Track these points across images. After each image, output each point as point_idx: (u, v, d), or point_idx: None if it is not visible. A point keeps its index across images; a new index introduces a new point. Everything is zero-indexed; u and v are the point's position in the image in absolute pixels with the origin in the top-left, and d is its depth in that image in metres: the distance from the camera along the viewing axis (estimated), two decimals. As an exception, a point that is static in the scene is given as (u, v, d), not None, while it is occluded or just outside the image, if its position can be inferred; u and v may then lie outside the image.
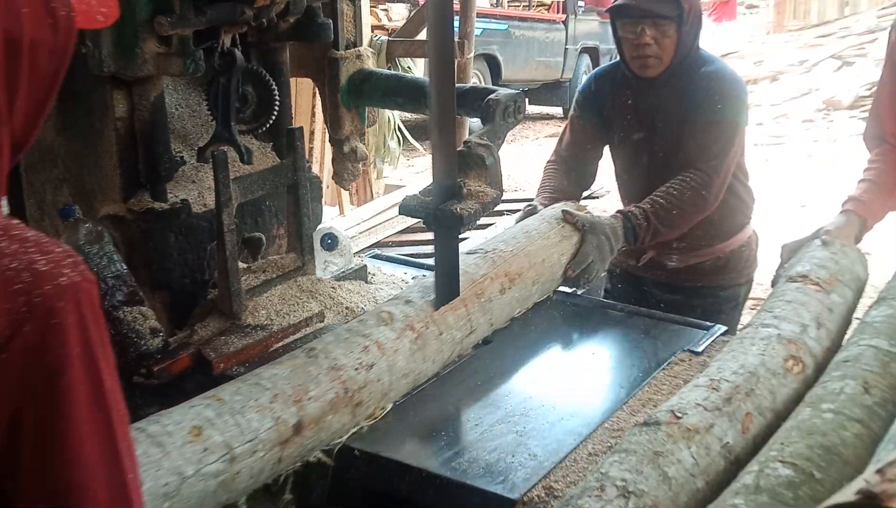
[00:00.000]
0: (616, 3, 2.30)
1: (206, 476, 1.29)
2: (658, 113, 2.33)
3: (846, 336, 1.74)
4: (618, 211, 2.18)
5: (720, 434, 1.38)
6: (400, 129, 5.21)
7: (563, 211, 2.10)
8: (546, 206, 2.25)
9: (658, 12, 2.22)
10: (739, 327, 2.43)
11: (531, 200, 2.40)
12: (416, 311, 1.69)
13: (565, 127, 2.57)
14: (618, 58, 2.42)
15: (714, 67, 2.32)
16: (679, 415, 1.39)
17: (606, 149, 2.54)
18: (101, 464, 0.95)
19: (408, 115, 8.02)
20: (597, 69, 2.64)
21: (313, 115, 4.80)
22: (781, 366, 1.57)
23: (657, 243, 2.28)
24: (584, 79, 2.59)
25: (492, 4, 9.81)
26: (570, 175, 2.46)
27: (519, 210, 2.37)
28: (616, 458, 1.32)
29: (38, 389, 0.92)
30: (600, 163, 2.57)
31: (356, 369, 1.54)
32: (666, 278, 2.42)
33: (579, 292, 2.14)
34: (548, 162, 2.54)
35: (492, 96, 1.85)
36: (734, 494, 1.21)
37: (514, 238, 1.99)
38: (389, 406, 1.64)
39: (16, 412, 0.92)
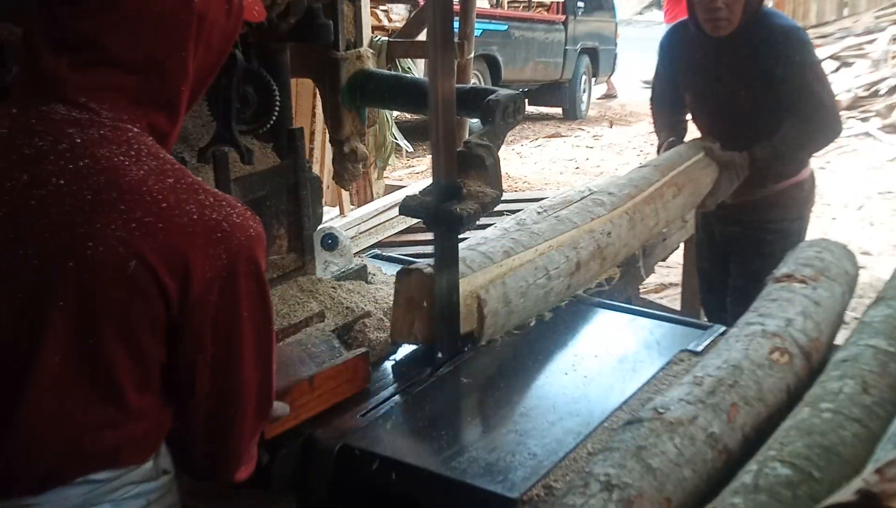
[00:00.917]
0: None
1: (538, 287, 1.95)
2: (726, 68, 2.64)
3: (845, 335, 1.75)
4: (748, 151, 2.59)
5: (704, 425, 1.39)
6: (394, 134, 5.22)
7: (706, 147, 2.62)
8: (673, 139, 2.83)
9: None
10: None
11: (531, 200, 2.54)
12: (619, 200, 2.31)
13: (655, 75, 3.05)
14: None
15: (775, 22, 2.62)
16: (662, 411, 1.40)
17: None
18: (256, 369, 1.17)
19: (407, 115, 8.02)
20: (670, 27, 3.00)
21: (314, 115, 4.80)
22: (766, 358, 1.58)
23: None
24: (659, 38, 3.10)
25: (492, 5, 9.80)
26: (672, 104, 2.95)
27: (519, 210, 2.49)
28: (601, 456, 1.34)
29: (225, 321, 1.11)
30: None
31: (601, 233, 2.16)
32: (725, 212, 2.80)
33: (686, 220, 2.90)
34: (650, 100, 3.07)
35: (492, 97, 1.86)
36: (733, 493, 1.22)
37: (672, 159, 2.60)
38: (618, 274, 2.29)
39: (206, 338, 1.11)
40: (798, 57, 2.58)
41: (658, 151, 2.91)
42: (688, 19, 2.73)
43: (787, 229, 2.74)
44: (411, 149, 5.58)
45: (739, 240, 2.82)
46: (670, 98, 2.95)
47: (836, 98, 2.68)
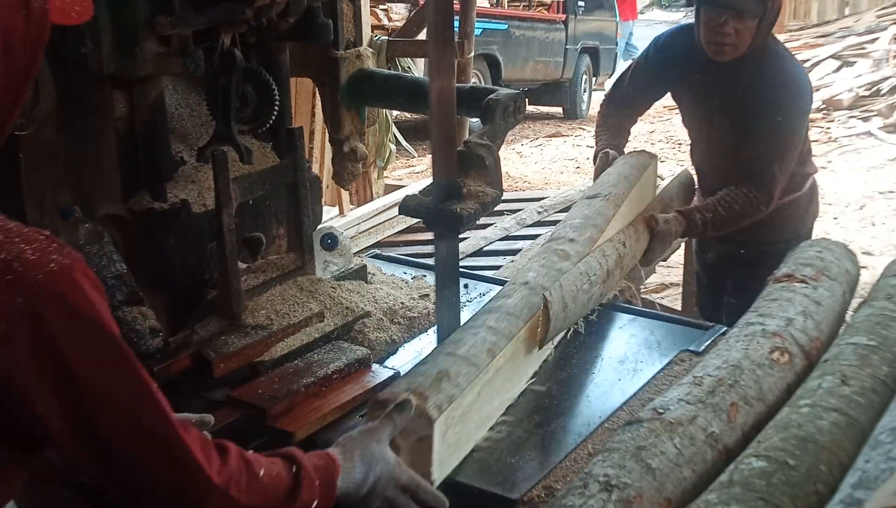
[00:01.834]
0: None
1: (583, 292, 1.84)
2: (722, 99, 2.44)
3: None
4: (680, 213, 2.35)
5: (704, 425, 1.39)
6: (395, 135, 5.21)
7: (645, 218, 2.26)
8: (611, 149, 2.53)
9: (745, 9, 2.31)
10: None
11: (531, 200, 2.47)
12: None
13: (627, 70, 2.73)
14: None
15: (784, 72, 2.41)
16: (661, 411, 1.40)
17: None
18: (127, 414, 1.03)
19: (407, 115, 8.01)
20: (676, 28, 2.71)
21: (313, 115, 4.80)
22: (766, 357, 1.58)
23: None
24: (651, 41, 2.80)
25: (492, 4, 9.80)
26: (630, 106, 2.69)
27: (520, 210, 2.44)
28: (600, 457, 1.34)
29: (52, 370, 0.97)
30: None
31: (618, 242, 2.07)
32: None
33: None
34: (606, 96, 2.78)
35: (492, 96, 1.85)
36: (709, 491, 1.22)
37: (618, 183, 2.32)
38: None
39: (34, 394, 0.97)
40: (781, 117, 2.36)
41: (594, 160, 2.61)
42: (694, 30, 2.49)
43: (779, 249, 2.45)
44: (416, 154, 5.57)
45: (734, 260, 2.66)
46: (632, 100, 2.68)
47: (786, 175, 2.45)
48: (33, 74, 1.08)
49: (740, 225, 2.41)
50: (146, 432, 1.04)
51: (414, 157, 5.66)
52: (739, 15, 2.31)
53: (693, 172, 2.77)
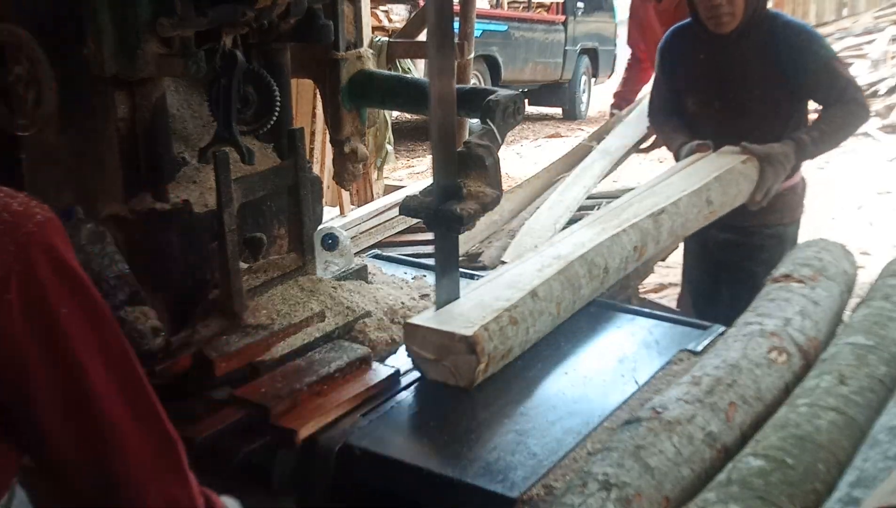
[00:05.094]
0: None
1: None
2: (735, 67, 2.61)
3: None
4: (789, 137, 2.54)
5: (702, 424, 1.40)
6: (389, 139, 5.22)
7: (742, 145, 2.51)
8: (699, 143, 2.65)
9: None
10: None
11: None
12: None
13: (653, 88, 2.98)
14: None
15: (794, 24, 2.64)
16: (660, 410, 1.41)
17: None
18: (113, 380, 0.99)
19: (407, 116, 8.02)
20: (675, 25, 2.88)
21: (314, 116, 4.81)
22: (765, 357, 1.59)
23: None
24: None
25: (491, 6, 9.81)
26: (676, 112, 2.84)
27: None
28: (599, 456, 1.35)
29: (41, 324, 0.94)
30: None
31: None
32: (719, 219, 2.56)
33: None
34: (649, 114, 3.01)
35: (492, 97, 1.86)
36: (708, 490, 1.23)
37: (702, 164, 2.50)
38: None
39: (24, 349, 0.93)
40: (823, 51, 2.59)
41: (676, 157, 2.75)
42: (691, 20, 2.71)
43: (783, 233, 2.74)
44: (393, 159, 5.59)
45: (735, 247, 2.77)
46: (672, 106, 2.87)
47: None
48: None
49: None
50: (128, 399, 1.01)
51: (416, 152, 5.66)
52: None
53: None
